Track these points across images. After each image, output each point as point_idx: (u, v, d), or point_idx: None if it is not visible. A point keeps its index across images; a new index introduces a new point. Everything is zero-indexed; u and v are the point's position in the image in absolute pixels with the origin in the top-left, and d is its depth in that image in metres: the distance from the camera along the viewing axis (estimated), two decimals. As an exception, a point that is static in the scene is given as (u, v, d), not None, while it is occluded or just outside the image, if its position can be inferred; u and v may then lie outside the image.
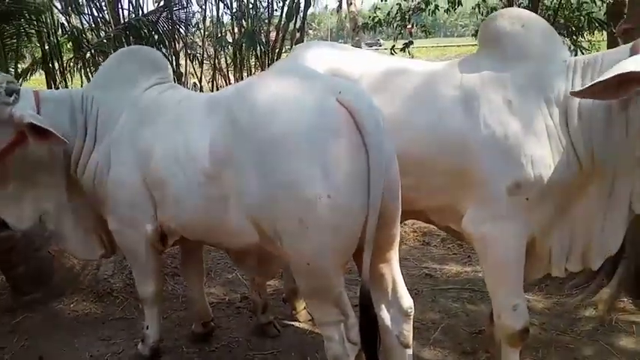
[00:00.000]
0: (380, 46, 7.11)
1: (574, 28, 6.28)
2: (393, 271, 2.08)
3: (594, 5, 6.51)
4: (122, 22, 5.58)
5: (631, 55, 1.91)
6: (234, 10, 6.25)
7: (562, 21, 6.21)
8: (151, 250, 2.50)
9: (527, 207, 2.10)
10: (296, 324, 3.15)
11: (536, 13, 5.94)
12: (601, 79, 1.83)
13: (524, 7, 6.10)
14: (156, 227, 2.40)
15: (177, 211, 2.23)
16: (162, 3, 5.81)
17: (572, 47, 6.39)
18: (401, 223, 2.78)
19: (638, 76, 1.81)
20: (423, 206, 2.38)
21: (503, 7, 6.61)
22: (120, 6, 5.74)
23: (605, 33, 5.77)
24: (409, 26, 7.78)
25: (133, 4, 6.10)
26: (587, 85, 1.89)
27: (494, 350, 2.54)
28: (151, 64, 2.62)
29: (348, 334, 1.97)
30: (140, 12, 5.92)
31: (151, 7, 6.06)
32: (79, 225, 2.66)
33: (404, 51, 7.27)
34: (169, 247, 2.63)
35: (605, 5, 5.74)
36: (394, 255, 2.07)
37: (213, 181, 2.03)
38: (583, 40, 6.79)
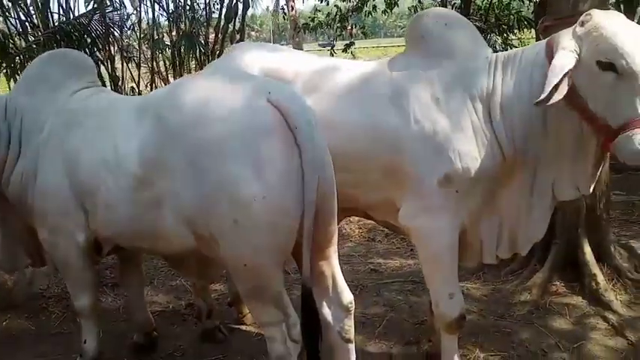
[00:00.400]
0: (333, 47, 7.17)
1: (505, 27, 6.56)
2: (333, 267, 2.10)
3: (523, 4, 6.84)
4: (52, 25, 5.37)
5: (547, 50, 2.02)
6: (171, 12, 6.13)
7: (493, 20, 6.48)
8: (85, 261, 2.40)
9: (458, 199, 2.19)
10: (243, 327, 3.12)
11: (469, 12, 6.20)
12: (553, 83, 1.89)
13: (457, 7, 6.34)
14: (88, 236, 2.32)
15: (110, 218, 2.17)
16: (93, 5, 5.60)
17: (504, 45, 6.68)
18: (343, 220, 2.84)
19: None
20: (362, 202, 2.43)
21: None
22: (49, 10, 5.51)
23: (533, 31, 6.08)
24: (349, 27, 7.89)
25: (63, 8, 5.89)
26: (545, 93, 1.91)
27: (435, 338, 2.63)
28: (76, 67, 2.54)
29: (290, 333, 1.98)
30: (71, 15, 5.72)
31: (83, 10, 5.82)
32: (5, 236, 2.54)
33: (345, 52, 7.38)
34: (105, 256, 2.55)
35: (532, 4, 6.03)
36: (333, 252, 2.09)
37: (146, 186, 1.99)
38: (514, 37, 7.11)
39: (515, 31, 7.00)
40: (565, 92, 1.93)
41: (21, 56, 5.23)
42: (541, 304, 3.20)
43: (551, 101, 1.92)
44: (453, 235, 2.24)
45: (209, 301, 3.02)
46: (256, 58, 2.51)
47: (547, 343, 2.84)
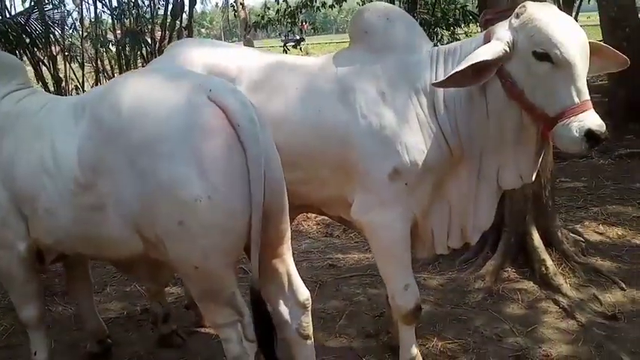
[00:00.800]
0: (303, 40, 7.05)
1: (450, 21, 6.71)
2: (287, 265, 2.09)
3: (467, -1, 7.02)
4: (-15, 25, 5.09)
5: (484, 42, 2.07)
6: (114, 8, 5.92)
7: (439, 15, 6.60)
8: (28, 271, 2.30)
9: (407, 191, 2.22)
10: (201, 330, 3.06)
11: (416, 7, 6.30)
12: (457, 69, 1.97)
13: (404, 2, 6.43)
14: (30, 245, 2.21)
15: (52, 226, 2.07)
16: (30, 3, 5.34)
17: (450, 39, 6.82)
18: (296, 216, 2.83)
19: (490, 63, 1.97)
20: (314, 199, 2.42)
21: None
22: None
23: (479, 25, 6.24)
24: (304, 24, 7.86)
25: (-1, 6, 5.60)
26: (446, 76, 2.03)
27: (394, 330, 2.66)
28: (5, 69, 2.38)
29: (246, 333, 1.96)
30: (7, 14, 5.44)
31: (20, 9, 5.55)
32: None
33: (296, 47, 7.35)
34: (49, 264, 2.44)
35: (476, -1, 6.19)
36: (287, 249, 2.07)
37: (87, 189, 1.92)
38: (461, 32, 7.27)
39: (463, 25, 7.18)
40: (472, 82, 2.00)
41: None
42: (494, 290, 3.30)
43: (449, 86, 2.02)
44: (404, 227, 2.27)
45: (165, 304, 2.94)
46: (198, 55, 2.45)
47: (501, 328, 2.93)
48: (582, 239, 3.77)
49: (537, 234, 3.48)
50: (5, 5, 5.51)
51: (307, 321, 2.12)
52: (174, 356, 2.82)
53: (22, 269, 2.27)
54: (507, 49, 1.99)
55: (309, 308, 2.14)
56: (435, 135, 2.20)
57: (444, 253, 2.50)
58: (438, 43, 6.57)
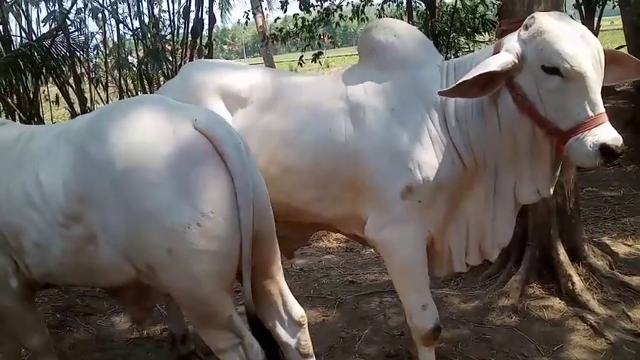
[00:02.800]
0: (322, 54, 7.10)
1: (469, 30, 6.64)
2: (280, 285, 2.09)
3: (487, 8, 6.93)
4: (13, 49, 5.25)
5: (495, 53, 2.02)
6: (136, 29, 6.05)
7: (458, 24, 6.54)
8: (24, 302, 2.22)
9: (421, 209, 2.17)
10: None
11: (433, 17, 6.26)
12: (465, 78, 1.93)
13: (422, 13, 6.38)
14: (21, 280, 2.13)
15: (42, 259, 2.01)
16: (53, 26, 5.50)
17: (472, 48, 6.75)
18: (311, 235, 2.80)
19: (497, 74, 1.93)
20: (327, 217, 2.39)
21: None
22: (9, 32, 5.40)
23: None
24: (323, 37, 7.86)
25: (25, 30, 5.78)
26: (452, 86, 1.98)
27: (414, 351, 2.59)
28: None
29: (248, 355, 1.94)
30: (33, 37, 5.61)
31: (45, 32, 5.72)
32: None
33: (314, 61, 7.36)
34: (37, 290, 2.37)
35: (496, 8, 6.11)
36: (278, 270, 2.07)
37: (76, 221, 1.88)
38: (482, 41, 7.19)
39: (484, 34, 7.10)
40: (480, 93, 1.96)
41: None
42: (519, 308, 3.19)
43: (455, 96, 1.99)
44: (420, 245, 2.22)
45: (183, 325, 2.94)
46: (210, 76, 2.47)
47: (527, 347, 2.83)
48: (610, 252, 3.64)
49: (563, 248, 3.36)
50: (32, 29, 5.70)
51: (305, 338, 2.11)
52: (193, 376, 2.82)
53: (18, 303, 2.20)
54: (516, 61, 1.94)
55: (306, 325, 2.12)
56: (448, 150, 2.15)
57: (463, 271, 2.43)
58: (459, 53, 6.51)
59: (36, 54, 5.19)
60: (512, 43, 1.99)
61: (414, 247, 2.22)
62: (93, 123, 1.95)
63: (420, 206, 2.16)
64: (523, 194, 2.16)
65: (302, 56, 7.26)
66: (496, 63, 1.92)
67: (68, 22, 5.55)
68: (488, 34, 7.17)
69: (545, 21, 1.94)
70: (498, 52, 2.00)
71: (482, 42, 7.15)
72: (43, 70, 5.39)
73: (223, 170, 1.77)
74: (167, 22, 6.29)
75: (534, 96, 1.95)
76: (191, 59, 6.02)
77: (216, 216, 1.75)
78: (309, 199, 2.34)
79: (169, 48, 6.28)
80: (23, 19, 5.78)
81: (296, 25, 7.39)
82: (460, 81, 1.94)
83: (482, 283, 3.51)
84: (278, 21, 8.61)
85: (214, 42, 7.81)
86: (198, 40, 5.92)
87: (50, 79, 5.82)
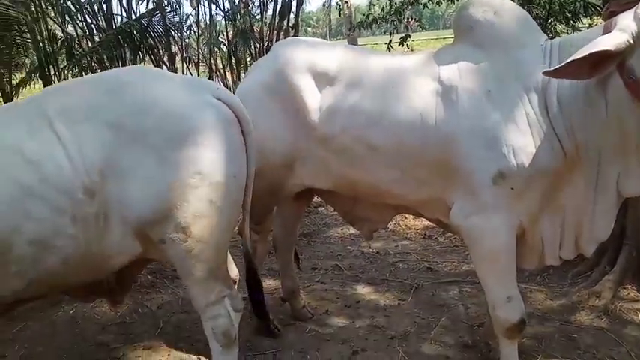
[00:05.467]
0: (409, 37, 7.01)
1: (569, 14, 6.21)
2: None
3: (590, -11, 6.44)
4: (114, 27, 5.58)
5: (604, 32, 1.87)
6: (227, 10, 6.23)
7: (557, 8, 6.14)
8: None
9: (514, 197, 2.08)
10: (296, 323, 3.12)
11: (530, 2, 5.90)
12: (573, 58, 1.81)
13: (518, -4, 6.04)
14: None
15: (33, 260, 1.84)
16: (151, 5, 5.79)
17: (569, 33, 6.32)
18: (392, 218, 2.78)
19: (610, 54, 1.78)
20: (410, 200, 2.36)
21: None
22: (111, 12, 5.74)
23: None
24: (410, 20, 7.70)
25: (125, 9, 6.12)
26: (560, 65, 1.86)
27: (495, 342, 2.51)
28: None
29: (234, 304, 2.18)
30: (132, 16, 5.93)
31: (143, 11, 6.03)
32: None
33: (402, 45, 7.23)
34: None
35: (601, -11, 5.67)
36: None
37: (91, 198, 1.85)
38: (583, 25, 6.71)
39: (584, 19, 6.62)
40: (588, 74, 1.84)
41: (87, 58, 5.48)
42: (611, 309, 3.00)
43: (561, 76, 1.90)
44: (509, 235, 2.13)
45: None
46: (300, 54, 2.49)
47: (617, 350, 2.66)
48: None
49: (664, 249, 3.11)
50: (132, 8, 6.02)
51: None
52: (269, 345, 2.89)
53: None
54: (631, 41, 1.79)
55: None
56: (547, 136, 2.03)
57: (555, 264, 2.31)
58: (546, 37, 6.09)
59: (135, 32, 5.49)
60: (628, 21, 1.83)
61: (502, 235, 2.13)
62: (117, 98, 1.94)
63: (512, 194, 2.07)
64: (628, 186, 2.01)
65: (390, 41, 7.14)
66: (609, 42, 1.78)
67: (165, 3, 5.79)
68: (590, 19, 6.68)
69: None
70: (608, 31, 1.85)
71: (581, 28, 6.67)
72: (141, 48, 5.70)
73: (240, 132, 2.12)
74: (256, 3, 6.43)
75: None
76: (277, 40, 6.14)
77: (242, 169, 2.11)
78: (393, 181, 2.31)
79: (257, 29, 6.43)
80: (124, -2, 6.13)
81: (383, 9, 7.27)
82: (568, 60, 1.81)
83: (572, 281, 3.33)
84: (363, 3, 8.53)
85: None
86: (285, 22, 6.01)
87: (147, 56, 6.16)
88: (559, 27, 6.52)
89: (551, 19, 6.21)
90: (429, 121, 2.18)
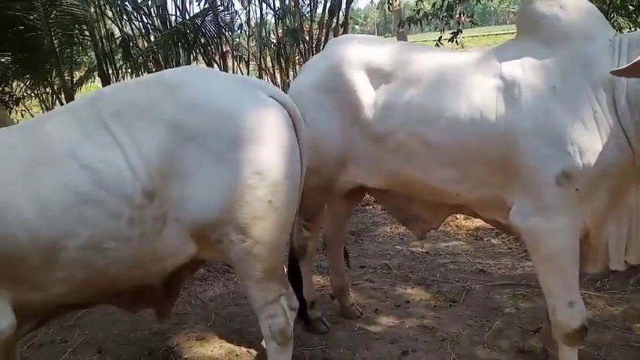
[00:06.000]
0: (460, 32, 6.90)
1: (633, 8, 5.90)
2: None
3: (657, -18, 6.10)
4: (169, 27, 5.75)
5: None
6: (277, 9, 6.30)
7: (618, 2, 5.85)
8: (7, 352, 1.88)
9: (578, 198, 1.99)
10: (344, 321, 3.12)
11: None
12: None
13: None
14: (12, 321, 1.80)
15: (83, 265, 1.81)
16: (204, 5, 5.91)
17: (632, 29, 6.01)
18: (447, 217, 2.73)
19: None
20: (467, 199, 2.30)
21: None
22: (167, 12, 5.91)
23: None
24: (462, 16, 7.52)
25: (179, 9, 6.29)
26: (629, 63, 1.77)
27: (554, 349, 2.42)
28: None
29: (290, 303, 2.20)
30: (187, 16, 6.08)
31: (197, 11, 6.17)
32: None
33: (452, 41, 7.07)
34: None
35: (669, -19, 5.37)
36: None
37: (151, 200, 1.83)
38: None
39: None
40: None
41: (143, 57, 5.67)
42: (677, 318, 2.85)
43: (631, 76, 1.80)
44: (572, 237, 2.05)
45: (312, 292, 3.05)
46: (355, 51, 2.48)
47: (683, 361, 2.52)
48: None
49: None
50: (186, 8, 6.18)
51: None
52: (318, 342, 2.90)
53: (2, 354, 1.85)
54: None
55: None
56: (615, 135, 1.94)
57: (620, 269, 2.20)
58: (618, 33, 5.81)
59: (189, 31, 5.63)
60: None
61: (565, 238, 2.05)
62: (169, 96, 1.92)
63: (576, 195, 1.99)
64: None
65: (441, 37, 7.00)
66: None
67: (217, 2, 5.91)
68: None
69: None
70: None
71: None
72: (194, 47, 5.85)
73: (293, 130, 2.09)
74: (307, 2, 6.46)
75: None
76: (326, 38, 6.15)
77: (297, 168, 2.08)
78: (449, 179, 2.26)
79: (307, 27, 6.46)
80: (179, -1, 6.30)
81: (434, 4, 7.14)
82: (637, 59, 1.72)
83: (634, 288, 3.17)
84: (411, 0, 8.41)
85: (347, 22, 7.89)
86: (334, 20, 6.01)
87: (199, 55, 6.30)
88: (621, 21, 6.22)
89: (613, 13, 5.93)
90: (489, 119, 2.12)
